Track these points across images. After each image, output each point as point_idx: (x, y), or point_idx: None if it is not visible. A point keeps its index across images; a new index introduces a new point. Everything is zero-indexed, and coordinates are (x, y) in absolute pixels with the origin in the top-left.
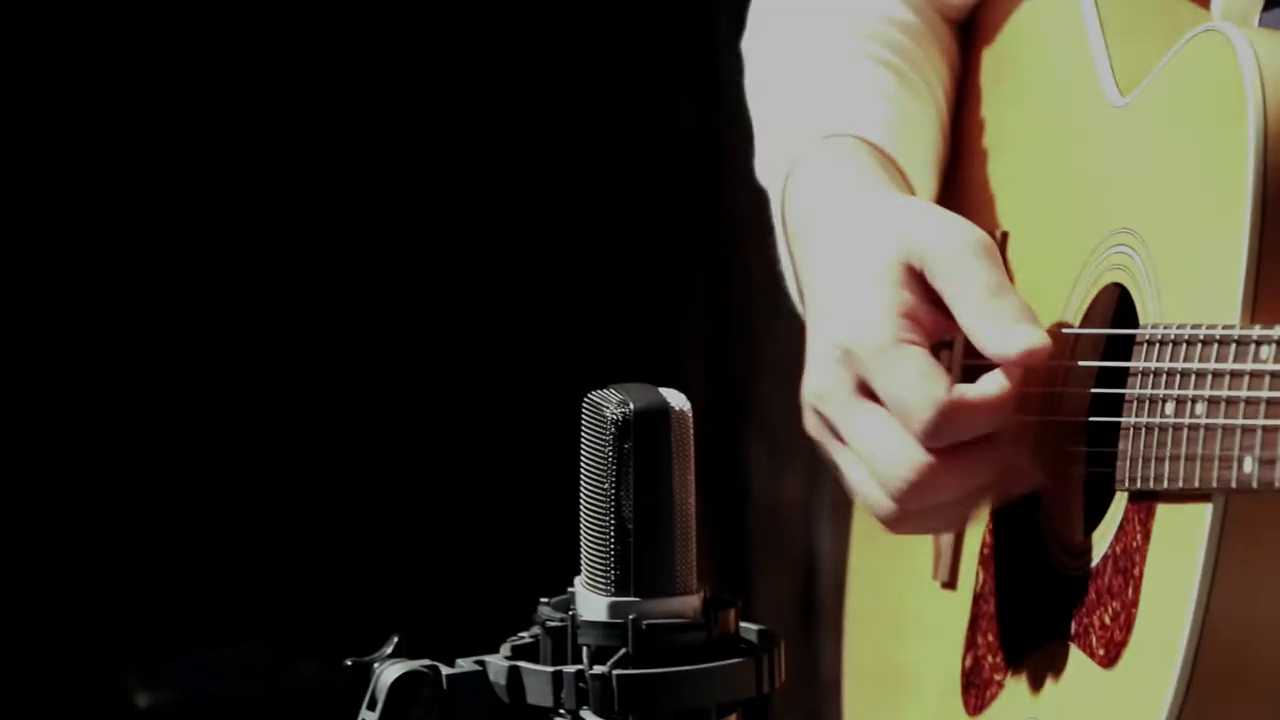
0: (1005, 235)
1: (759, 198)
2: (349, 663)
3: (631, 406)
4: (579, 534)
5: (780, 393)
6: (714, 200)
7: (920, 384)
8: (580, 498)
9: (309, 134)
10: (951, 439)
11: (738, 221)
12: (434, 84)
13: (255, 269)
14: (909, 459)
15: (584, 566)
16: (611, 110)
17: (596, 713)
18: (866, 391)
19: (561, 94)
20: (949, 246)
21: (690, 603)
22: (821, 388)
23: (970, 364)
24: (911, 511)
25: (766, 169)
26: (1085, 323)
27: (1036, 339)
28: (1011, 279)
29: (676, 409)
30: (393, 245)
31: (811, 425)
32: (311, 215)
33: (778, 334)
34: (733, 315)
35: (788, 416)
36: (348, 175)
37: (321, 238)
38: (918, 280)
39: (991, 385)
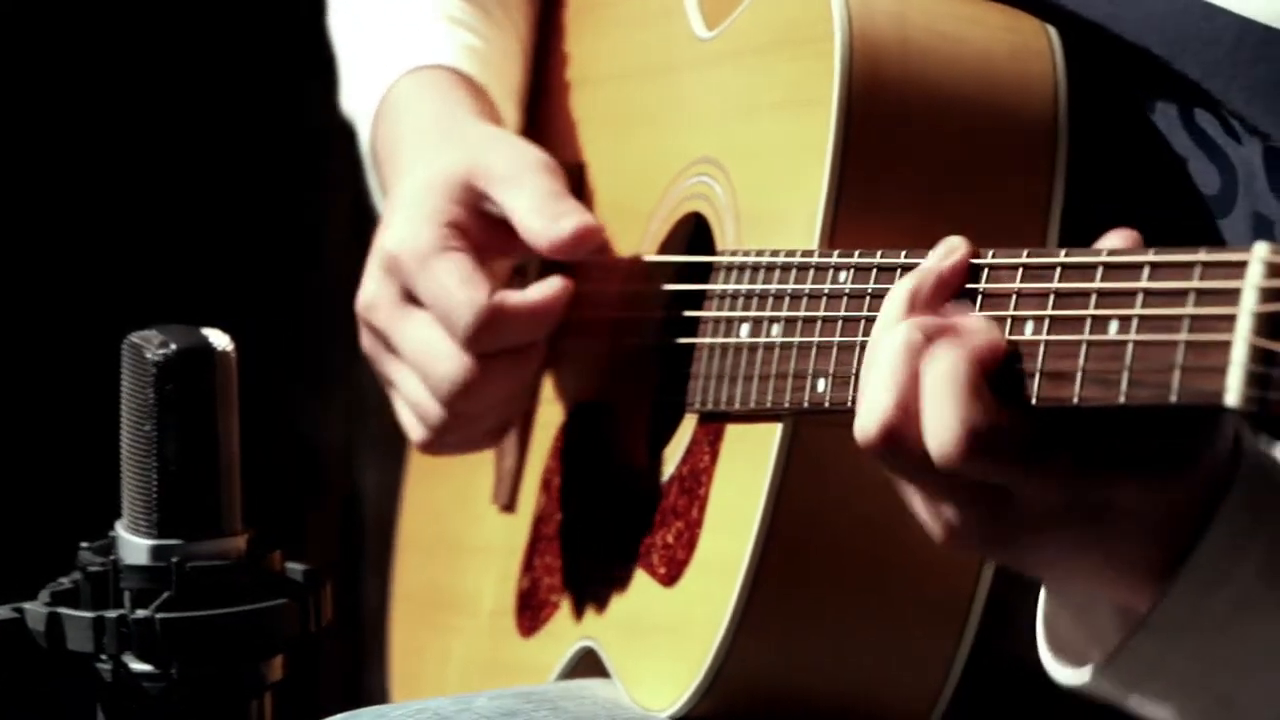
0: (584, 167)
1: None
2: None
3: (173, 347)
4: (120, 477)
5: (323, 332)
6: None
7: (461, 289)
8: (121, 441)
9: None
10: (495, 344)
11: (291, 165)
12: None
13: None
14: (457, 359)
15: (126, 510)
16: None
17: (140, 658)
18: (412, 299)
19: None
20: (508, 161)
21: (235, 544)
22: (370, 297)
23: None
24: (462, 415)
25: (354, 100)
26: (662, 251)
27: (589, 220)
28: (591, 210)
29: (219, 349)
30: None
31: (366, 341)
32: None
33: (323, 272)
34: (275, 253)
35: (330, 355)
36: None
37: None
38: (474, 197)
39: (535, 291)
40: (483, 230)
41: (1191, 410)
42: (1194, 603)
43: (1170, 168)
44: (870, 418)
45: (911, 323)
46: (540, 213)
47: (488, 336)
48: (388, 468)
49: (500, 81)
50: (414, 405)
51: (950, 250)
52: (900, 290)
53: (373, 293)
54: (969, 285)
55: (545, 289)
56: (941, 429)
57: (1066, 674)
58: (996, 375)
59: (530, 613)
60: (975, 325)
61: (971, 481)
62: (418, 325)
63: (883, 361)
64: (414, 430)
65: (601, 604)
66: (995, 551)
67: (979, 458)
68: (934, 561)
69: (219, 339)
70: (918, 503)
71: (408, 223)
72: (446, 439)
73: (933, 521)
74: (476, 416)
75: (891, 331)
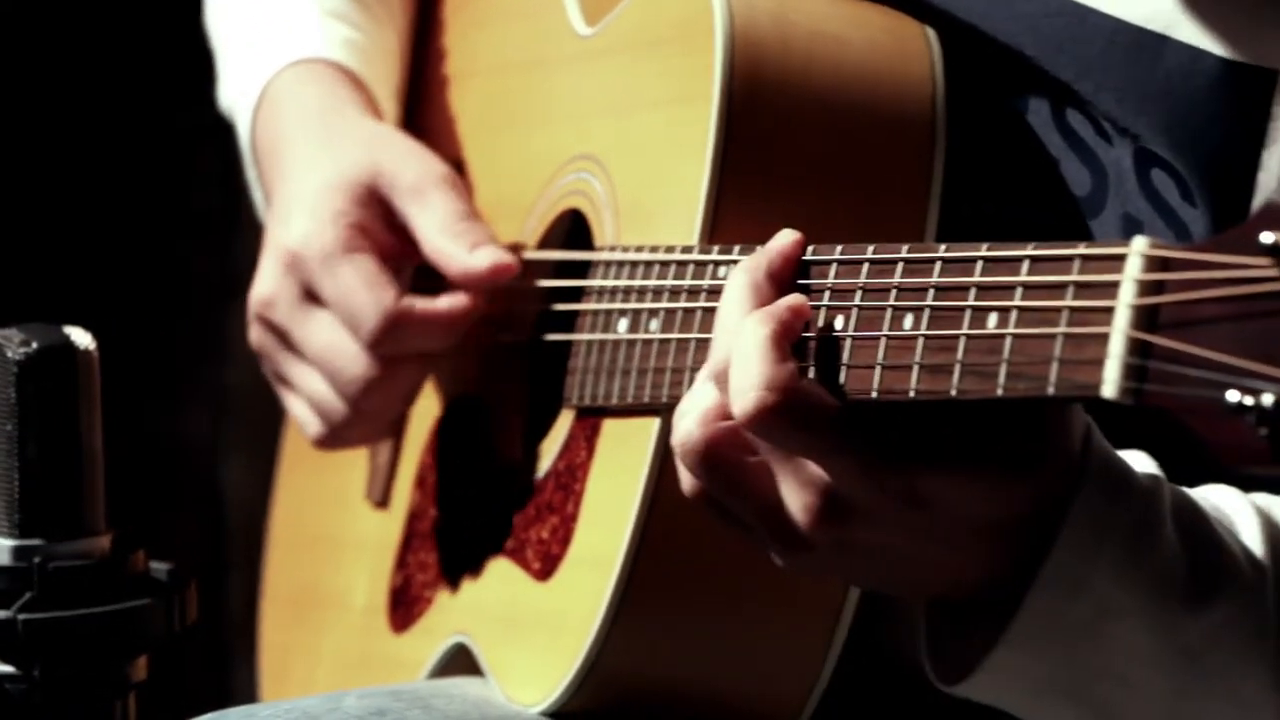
0: (462, 163)
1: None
2: None
3: (34, 346)
4: None
5: (186, 330)
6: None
7: (368, 292)
8: None
9: None
10: (399, 348)
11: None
12: None
13: None
14: (362, 359)
15: None
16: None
17: (1, 659)
18: (313, 298)
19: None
20: (415, 173)
21: (98, 544)
22: (269, 294)
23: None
24: (364, 412)
25: (232, 93)
26: (541, 247)
27: (504, 255)
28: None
29: (81, 348)
30: None
31: (256, 336)
32: None
33: (188, 270)
34: (137, 251)
35: (194, 353)
36: None
37: None
38: (377, 201)
39: (444, 302)
40: (386, 234)
41: (1037, 409)
42: (1054, 610)
43: (1043, 168)
44: (743, 403)
45: (761, 314)
46: (451, 236)
47: (392, 340)
48: (252, 466)
49: (379, 76)
50: (316, 403)
51: (788, 242)
52: (737, 287)
53: (271, 289)
54: (842, 280)
55: (454, 301)
56: (743, 387)
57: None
58: (808, 353)
59: (403, 609)
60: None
61: (802, 480)
62: (321, 324)
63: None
64: (312, 426)
65: (475, 600)
66: (828, 563)
67: (779, 419)
68: None
69: (81, 337)
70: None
71: (311, 221)
72: (346, 434)
73: (768, 537)
74: (378, 413)
75: (745, 325)
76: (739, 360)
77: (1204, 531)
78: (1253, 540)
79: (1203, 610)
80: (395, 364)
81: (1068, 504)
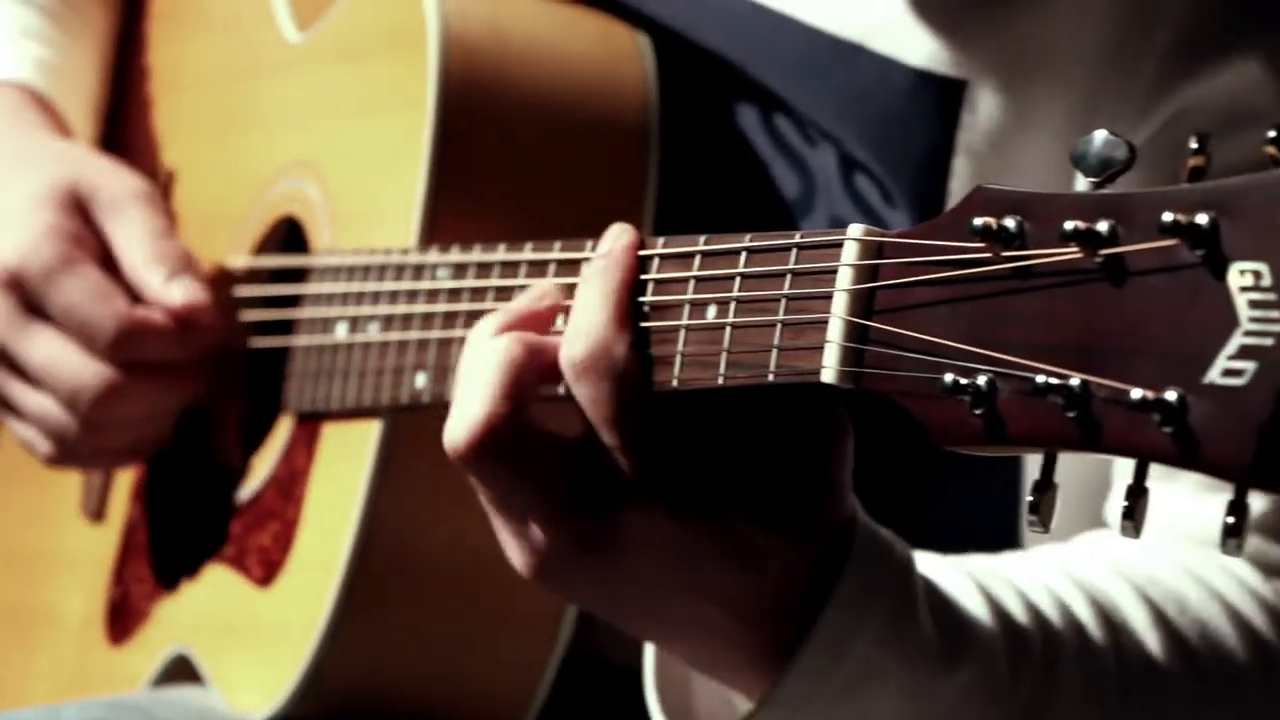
0: (172, 176)
1: None
2: None
3: None
4: None
5: None
6: None
7: (99, 302)
8: None
9: None
10: (136, 354)
11: None
12: None
13: None
14: (93, 368)
15: None
16: None
17: None
18: (34, 314)
19: None
20: (111, 188)
21: None
22: None
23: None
24: (99, 426)
25: None
26: (258, 254)
27: (193, 293)
28: (178, 221)
29: None
30: None
31: None
32: None
33: None
34: None
35: None
36: None
37: None
38: (81, 212)
39: (178, 300)
40: (97, 244)
41: (801, 473)
42: (817, 675)
43: (754, 171)
44: (461, 426)
45: (512, 336)
46: (147, 260)
47: (128, 347)
48: None
49: (75, 93)
50: (41, 418)
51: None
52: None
53: None
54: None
55: (188, 297)
56: (464, 415)
57: None
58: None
59: (121, 622)
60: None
61: (559, 505)
62: (47, 339)
63: (479, 369)
64: (40, 445)
65: (195, 610)
66: (586, 591)
67: (484, 455)
68: None
69: None
70: (501, 533)
71: (24, 236)
72: (78, 450)
73: (515, 553)
74: (110, 428)
75: (490, 343)
76: (467, 382)
77: (948, 603)
78: (1017, 610)
79: (952, 673)
80: (136, 376)
81: (839, 568)
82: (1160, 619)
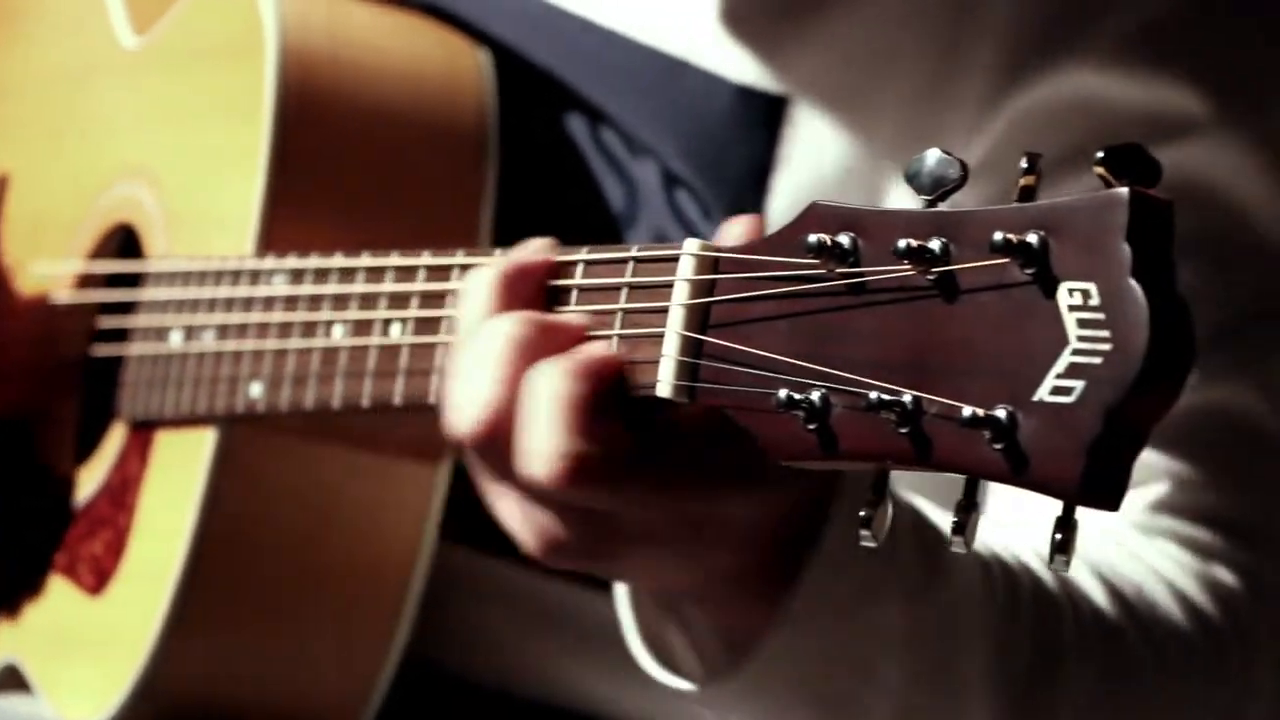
0: (4, 181)
1: None
2: None
3: None
4: None
5: None
6: None
7: None
8: None
9: None
10: None
11: None
12: None
13: None
14: None
15: None
16: None
17: None
18: None
19: None
20: None
21: None
22: None
23: None
24: None
25: None
26: (91, 260)
27: None
28: (7, 226)
29: None
30: None
31: None
32: None
33: None
34: None
35: None
36: None
37: None
38: None
39: None
40: None
41: None
42: (821, 592)
43: (583, 183)
44: (472, 410)
45: (519, 316)
46: None
47: None
48: None
49: None
50: None
51: (538, 248)
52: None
53: None
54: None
55: None
56: (542, 452)
57: (670, 678)
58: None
59: None
60: (589, 346)
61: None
62: None
63: (487, 352)
64: None
65: (27, 620)
66: (592, 565)
67: (581, 485)
68: (366, 569)
69: None
70: (508, 508)
71: None
72: None
73: (525, 531)
74: None
75: (495, 321)
76: (536, 421)
77: (934, 532)
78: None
79: (944, 583)
80: None
81: (827, 507)
82: (1116, 595)
